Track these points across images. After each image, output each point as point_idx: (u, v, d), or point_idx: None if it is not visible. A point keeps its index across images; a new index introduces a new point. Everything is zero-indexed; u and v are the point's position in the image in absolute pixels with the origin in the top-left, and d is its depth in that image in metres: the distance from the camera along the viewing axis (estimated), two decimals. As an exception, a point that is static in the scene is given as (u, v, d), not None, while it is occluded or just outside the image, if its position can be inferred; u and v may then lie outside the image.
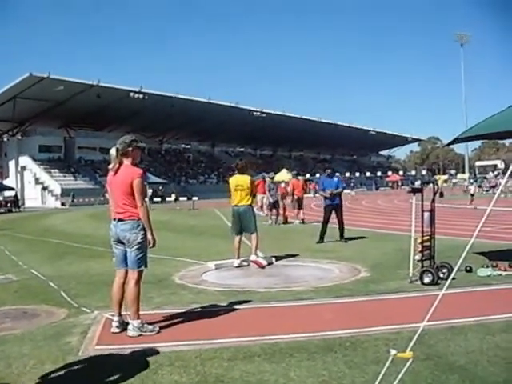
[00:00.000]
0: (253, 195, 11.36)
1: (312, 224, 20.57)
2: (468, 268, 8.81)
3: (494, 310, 6.36)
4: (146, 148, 76.42)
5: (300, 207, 22.91)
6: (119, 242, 6.13)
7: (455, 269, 5.03)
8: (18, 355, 5.34)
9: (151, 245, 6.07)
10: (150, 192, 45.31)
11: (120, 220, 6.06)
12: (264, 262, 10.79)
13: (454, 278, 5.11)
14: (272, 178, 23.55)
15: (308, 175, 78.20)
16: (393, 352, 3.89)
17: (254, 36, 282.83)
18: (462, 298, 7.18)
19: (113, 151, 6.16)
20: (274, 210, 22.64)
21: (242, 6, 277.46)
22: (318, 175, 75.98)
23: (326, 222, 14.86)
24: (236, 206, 11.18)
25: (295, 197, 23.02)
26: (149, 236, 6.02)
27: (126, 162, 6.12)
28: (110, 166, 6.22)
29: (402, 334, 5.42)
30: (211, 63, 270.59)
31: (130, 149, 6.12)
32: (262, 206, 25.64)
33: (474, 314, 6.19)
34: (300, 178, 25.14)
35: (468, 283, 8.03)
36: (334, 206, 14.90)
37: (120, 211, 6.07)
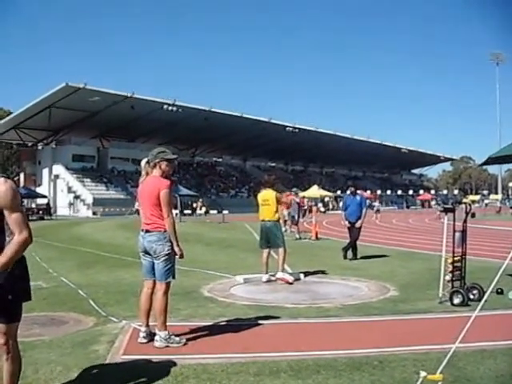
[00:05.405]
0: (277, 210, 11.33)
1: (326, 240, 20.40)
2: (499, 290, 8.67)
3: (525, 335, 6.23)
4: (177, 160, 76.78)
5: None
6: (146, 252, 6.16)
7: (488, 291, 4.95)
8: (45, 361, 5.39)
9: (178, 256, 6.08)
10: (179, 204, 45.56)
11: (147, 231, 6.10)
12: (291, 279, 10.71)
13: (485, 301, 5.03)
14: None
15: (339, 192, 77.82)
16: (423, 374, 3.84)
17: (290, 53, 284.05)
18: (492, 321, 7.04)
19: (143, 163, 6.28)
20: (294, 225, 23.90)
21: (280, 22, 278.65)
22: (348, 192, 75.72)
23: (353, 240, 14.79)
24: (263, 220, 11.20)
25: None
26: (175, 248, 6.04)
27: (155, 173, 6.17)
28: (141, 179, 6.30)
29: (431, 355, 5.34)
30: (246, 78, 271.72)
31: (157, 160, 6.17)
32: (285, 221, 25.72)
33: (504, 337, 6.07)
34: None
35: (499, 306, 7.88)
36: (352, 223, 14.88)
37: (148, 222, 6.11)
